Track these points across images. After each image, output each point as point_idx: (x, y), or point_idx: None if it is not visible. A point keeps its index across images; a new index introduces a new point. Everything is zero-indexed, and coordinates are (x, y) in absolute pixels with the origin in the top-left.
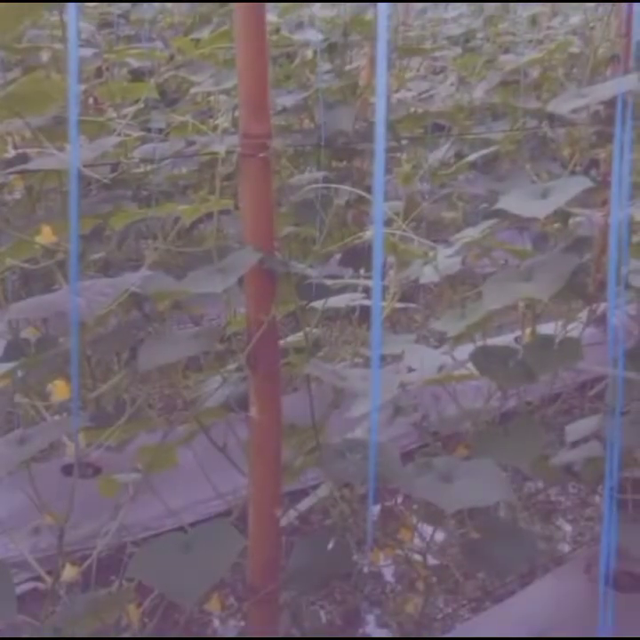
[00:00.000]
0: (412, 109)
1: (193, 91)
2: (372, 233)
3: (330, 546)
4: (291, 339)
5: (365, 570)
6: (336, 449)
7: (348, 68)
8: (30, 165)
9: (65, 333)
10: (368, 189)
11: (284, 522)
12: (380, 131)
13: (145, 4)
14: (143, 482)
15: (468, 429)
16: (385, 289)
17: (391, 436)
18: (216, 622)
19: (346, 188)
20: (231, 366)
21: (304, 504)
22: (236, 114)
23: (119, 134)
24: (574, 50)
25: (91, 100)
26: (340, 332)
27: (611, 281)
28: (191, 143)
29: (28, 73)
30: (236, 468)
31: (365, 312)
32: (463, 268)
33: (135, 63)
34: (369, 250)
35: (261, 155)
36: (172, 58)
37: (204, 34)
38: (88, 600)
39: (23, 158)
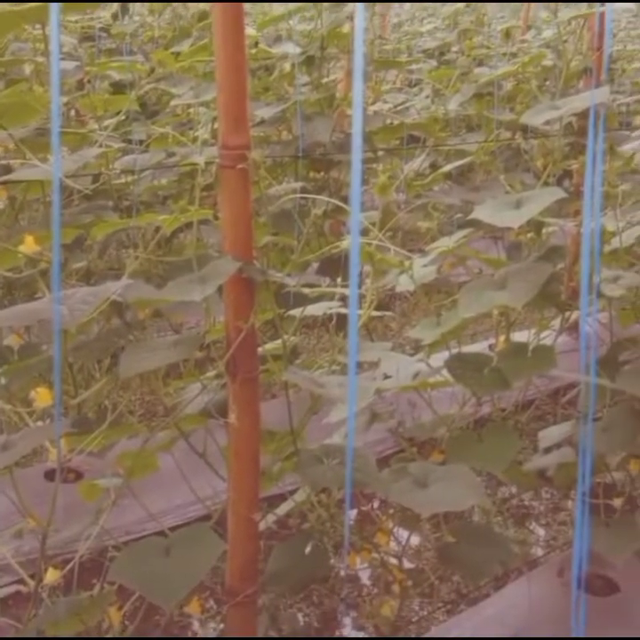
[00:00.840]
0: (389, 121)
1: (173, 103)
2: (349, 242)
3: (307, 550)
4: (269, 346)
5: (342, 573)
6: (314, 454)
7: (325, 80)
8: (13, 176)
9: (47, 341)
10: (345, 199)
11: (262, 526)
12: (357, 142)
13: (126, 18)
14: (124, 487)
15: (443, 435)
16: (361, 297)
17: (368, 442)
18: (196, 625)
19: (323, 198)
20: (211, 373)
21: (282, 508)
22: (216, 126)
23: (100, 146)
24: (547, 63)
25: (73, 112)
26: (318, 339)
27: (583, 289)
28: (171, 154)
29: (10, 86)
30: (215, 473)
31: (342, 320)
32: (438, 276)
33: (116, 76)
34: (346, 259)
35: (240, 166)
36: (152, 71)
37: (184, 47)
38: (70, 603)
39: (6, 169)
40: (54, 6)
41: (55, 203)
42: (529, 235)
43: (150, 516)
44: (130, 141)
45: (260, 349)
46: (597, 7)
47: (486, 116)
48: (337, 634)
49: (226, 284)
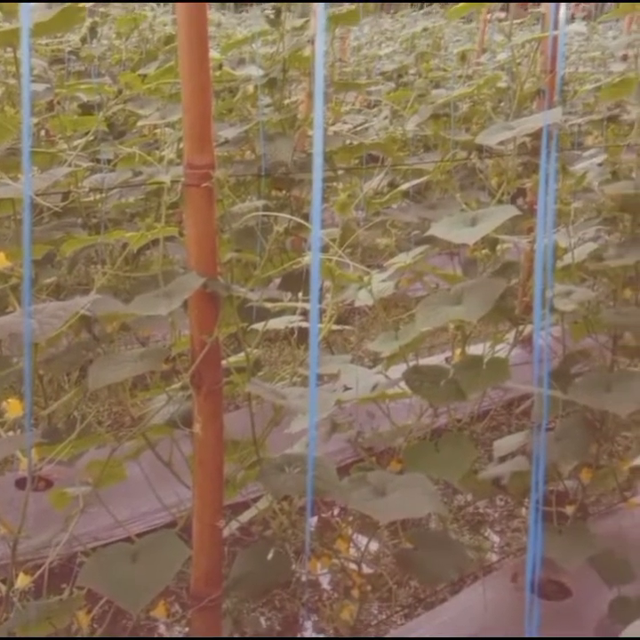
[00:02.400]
0: (348, 141)
1: (140, 123)
2: (310, 258)
3: (270, 556)
4: (233, 359)
5: (303, 578)
6: (276, 463)
7: (286, 102)
8: None
9: (18, 354)
10: (306, 217)
11: (226, 533)
12: (318, 161)
13: (94, 42)
14: (93, 495)
15: (401, 445)
16: (322, 312)
17: (328, 452)
18: (162, 628)
19: (285, 215)
20: (176, 385)
21: (245, 516)
22: (181, 145)
23: (70, 165)
24: (502, 85)
25: (43, 133)
26: (280, 352)
27: (536, 304)
28: (138, 173)
29: None
30: (180, 481)
31: (303, 334)
32: (396, 291)
33: (85, 97)
34: (307, 274)
35: (204, 184)
36: (120, 92)
37: (151, 70)
38: (40, 606)
39: None
40: (25, 30)
41: (26, 220)
42: (484, 251)
43: (118, 522)
44: (98, 161)
45: (223, 362)
46: (550, 31)
47: (443, 137)
48: (298, 636)
49: (191, 298)
